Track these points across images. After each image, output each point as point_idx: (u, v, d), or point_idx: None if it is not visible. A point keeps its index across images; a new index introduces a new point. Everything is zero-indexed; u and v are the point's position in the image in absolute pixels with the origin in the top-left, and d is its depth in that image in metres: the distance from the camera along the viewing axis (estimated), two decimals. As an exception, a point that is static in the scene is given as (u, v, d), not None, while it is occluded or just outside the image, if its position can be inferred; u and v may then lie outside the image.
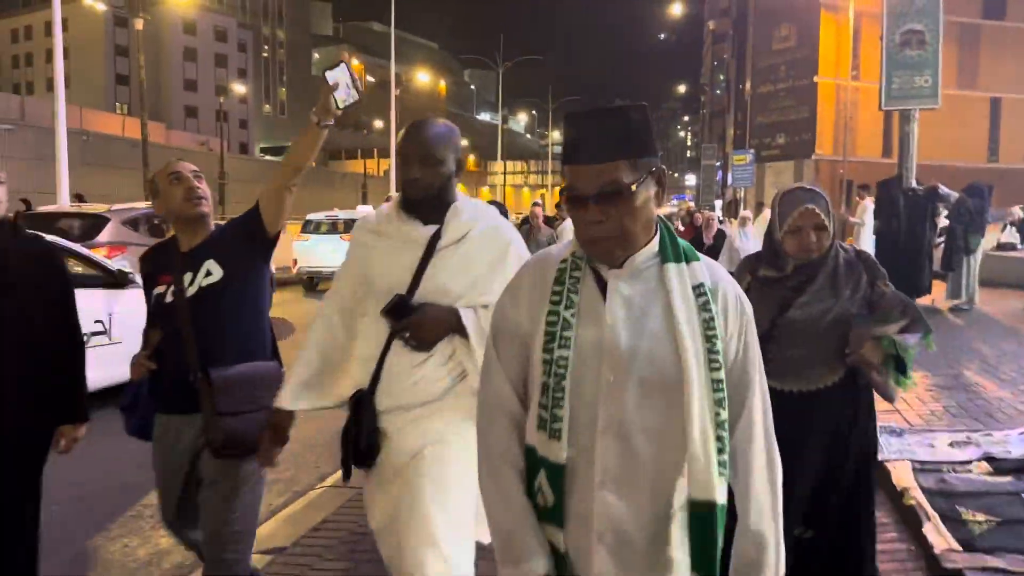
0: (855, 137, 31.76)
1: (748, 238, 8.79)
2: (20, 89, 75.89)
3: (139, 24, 25.38)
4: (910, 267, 10.97)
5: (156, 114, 72.96)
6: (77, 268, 6.17)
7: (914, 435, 4.88)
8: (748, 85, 36.47)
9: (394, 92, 39.67)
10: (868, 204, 12.01)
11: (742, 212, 10.11)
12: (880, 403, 2.70)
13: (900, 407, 5.39)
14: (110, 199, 28.39)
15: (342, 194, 57.69)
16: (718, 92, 52.36)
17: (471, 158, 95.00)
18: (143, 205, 10.97)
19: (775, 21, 33.95)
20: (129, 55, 75.39)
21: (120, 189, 29.51)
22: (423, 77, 70.72)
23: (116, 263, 7.88)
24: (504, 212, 8.26)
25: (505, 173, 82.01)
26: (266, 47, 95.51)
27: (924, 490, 3.79)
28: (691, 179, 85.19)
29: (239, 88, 70.04)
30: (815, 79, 32.14)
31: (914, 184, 11.49)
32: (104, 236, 9.56)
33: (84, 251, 6.62)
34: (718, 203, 43.76)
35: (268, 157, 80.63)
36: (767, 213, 15.75)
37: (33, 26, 77.49)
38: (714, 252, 8.59)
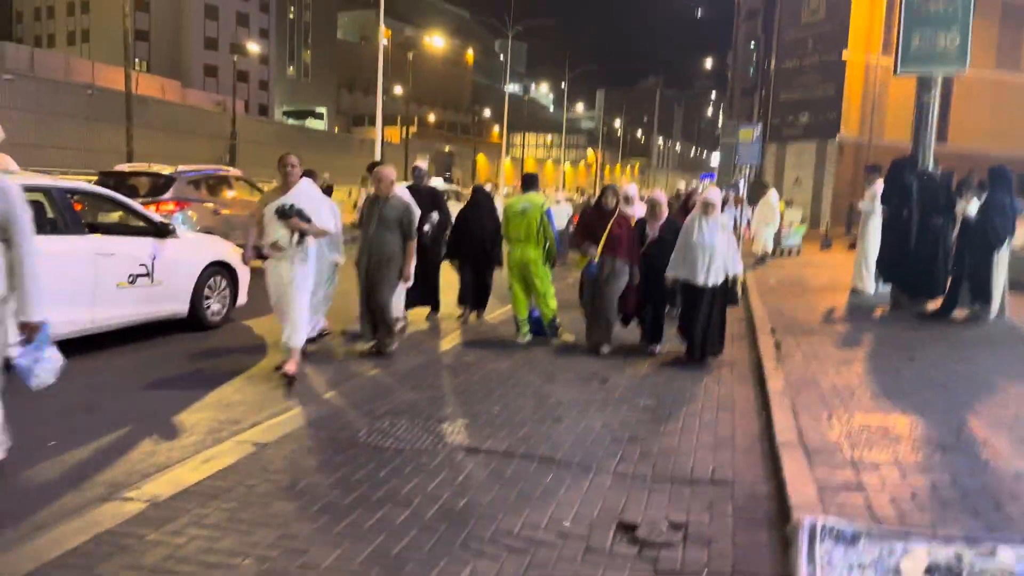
0: (884, 119, 29.93)
1: (709, 230, 6.71)
2: (41, 41, 75.39)
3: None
4: (922, 264, 9.60)
5: (174, 72, 72.21)
6: (129, 219, 7.44)
7: (874, 543, 3.10)
8: (772, 60, 34.55)
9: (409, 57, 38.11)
10: (877, 188, 10.61)
11: (701, 194, 7.36)
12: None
13: (867, 480, 3.94)
14: (118, 155, 27.51)
15: (360, 160, 56.86)
16: (751, 70, 50.19)
17: (494, 129, 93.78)
18: (207, 167, 13.10)
19: (805, -8, 31.97)
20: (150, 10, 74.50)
21: (123, 144, 28.49)
22: (438, 42, 68.41)
23: (180, 216, 10.45)
24: (534, 182, 8.28)
25: (525, 145, 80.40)
26: (292, 8, 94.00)
27: None
28: (717, 158, 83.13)
29: (254, 48, 68.71)
30: (843, 55, 30.21)
31: (931, 167, 10.06)
32: (171, 193, 11.05)
33: (133, 204, 7.45)
34: (741, 182, 42.06)
35: (291, 121, 79.68)
36: (772, 195, 14.10)
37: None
38: (662, 251, 7.01)
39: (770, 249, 16.87)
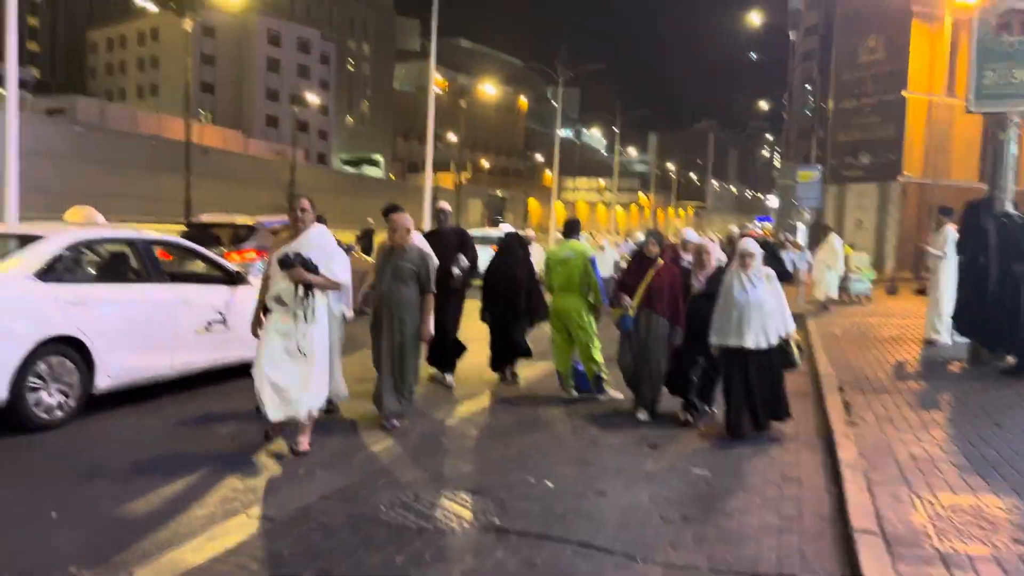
0: (948, 159, 28.83)
1: (751, 284, 5.92)
2: (113, 95, 78.96)
3: (188, 25, 24.84)
4: (1002, 314, 8.81)
5: (238, 123, 74.68)
6: (205, 268, 7.60)
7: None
8: (830, 101, 33.77)
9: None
10: (950, 231, 9.88)
11: (738, 244, 6.47)
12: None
13: None
14: (178, 203, 28.22)
15: (412, 207, 57.49)
16: (807, 112, 49.40)
17: (547, 173, 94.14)
18: (285, 217, 12.79)
19: (862, 31, 31.26)
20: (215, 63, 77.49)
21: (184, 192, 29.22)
22: (491, 90, 69.30)
23: (260, 264, 10.28)
24: (576, 229, 7.74)
25: (576, 189, 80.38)
26: (351, 60, 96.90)
27: None
28: (774, 200, 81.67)
29: (313, 98, 70.67)
30: (903, 93, 29.32)
31: (1010, 210, 9.31)
32: (253, 242, 11.45)
33: (208, 253, 7.66)
34: (802, 226, 40.92)
35: (348, 169, 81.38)
36: (835, 239, 13.40)
37: (127, 36, 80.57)
38: (710, 306, 6.14)
39: (834, 295, 16.04)
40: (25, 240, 6.07)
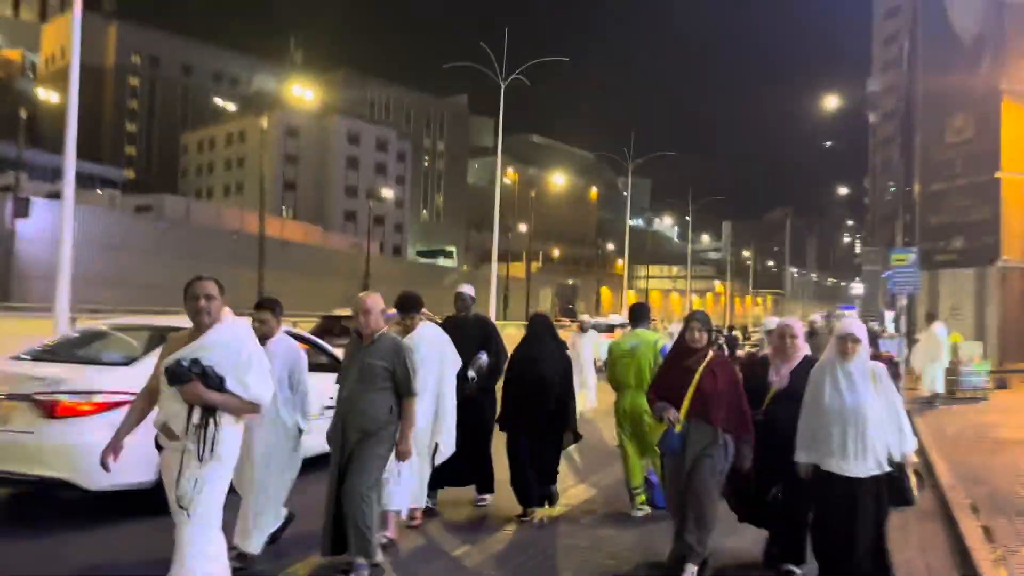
0: (1053, 241, 26.86)
1: (850, 383, 4.35)
2: (202, 194, 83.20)
3: (264, 122, 25.70)
4: None
5: (318, 218, 77.35)
6: (319, 357, 7.50)
7: None
8: (917, 184, 32.28)
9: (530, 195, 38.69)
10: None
11: (838, 325, 4.75)
12: None
13: None
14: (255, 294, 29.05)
15: (484, 295, 58.13)
16: (887, 199, 47.79)
17: (618, 262, 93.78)
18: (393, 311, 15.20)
19: (948, 111, 30.01)
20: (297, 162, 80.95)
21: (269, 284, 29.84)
22: (561, 180, 70.05)
23: None
24: (644, 315, 6.59)
25: (648, 277, 79.41)
26: (427, 157, 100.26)
27: None
28: (857, 287, 78.63)
29: (387, 193, 72.73)
30: (997, 175, 27.72)
31: None
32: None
33: (320, 343, 8.08)
34: (889, 314, 38.73)
35: (423, 260, 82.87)
36: (938, 328, 11.95)
37: (216, 137, 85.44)
38: (794, 410, 4.53)
39: (940, 390, 14.47)
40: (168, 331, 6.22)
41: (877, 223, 51.96)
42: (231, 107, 54.07)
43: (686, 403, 4.65)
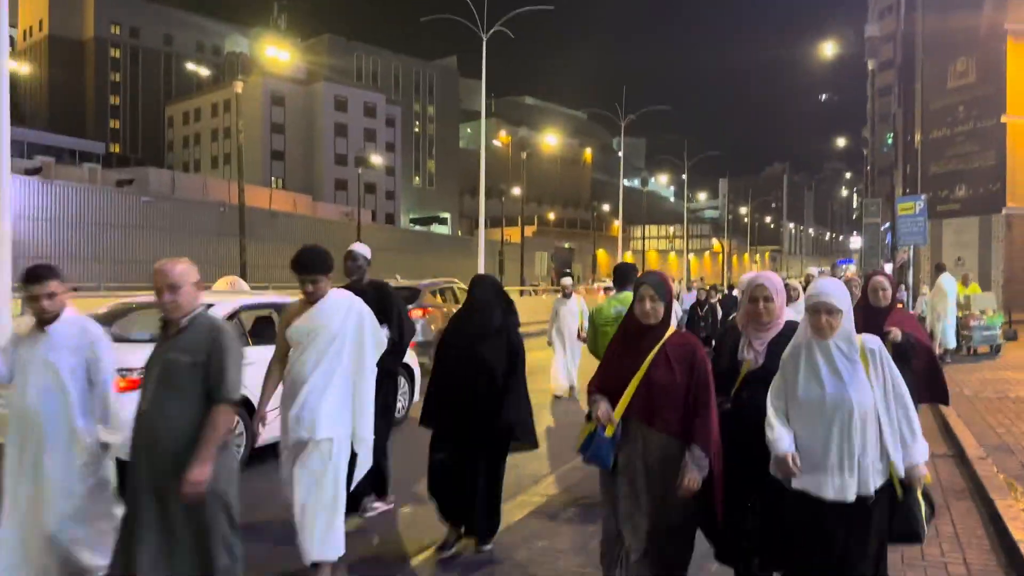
0: (1059, 187, 26.03)
1: (830, 367, 3.04)
2: (189, 167, 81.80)
3: (239, 87, 24.56)
4: None
5: (307, 187, 76.08)
6: None
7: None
8: (918, 133, 31.26)
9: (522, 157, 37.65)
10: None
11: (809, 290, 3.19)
12: None
13: None
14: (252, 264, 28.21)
15: (474, 261, 57.68)
16: (884, 150, 46.71)
17: (614, 223, 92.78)
18: (441, 280, 15.44)
19: (950, 55, 28.90)
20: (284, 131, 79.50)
21: (249, 257, 28.94)
22: (551, 141, 68.93)
23: (423, 321, 12.41)
24: (630, 276, 5.39)
25: (645, 238, 78.46)
26: (417, 122, 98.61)
27: None
28: (856, 241, 77.69)
29: (377, 159, 71.47)
30: (1003, 119, 26.74)
31: None
32: (417, 302, 13.15)
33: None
34: (888, 266, 37.89)
35: (417, 227, 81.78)
36: (945, 280, 11.09)
37: (202, 108, 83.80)
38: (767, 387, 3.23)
39: (951, 346, 13.72)
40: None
41: (876, 175, 50.95)
42: (204, 72, 52.46)
43: (625, 398, 3.29)
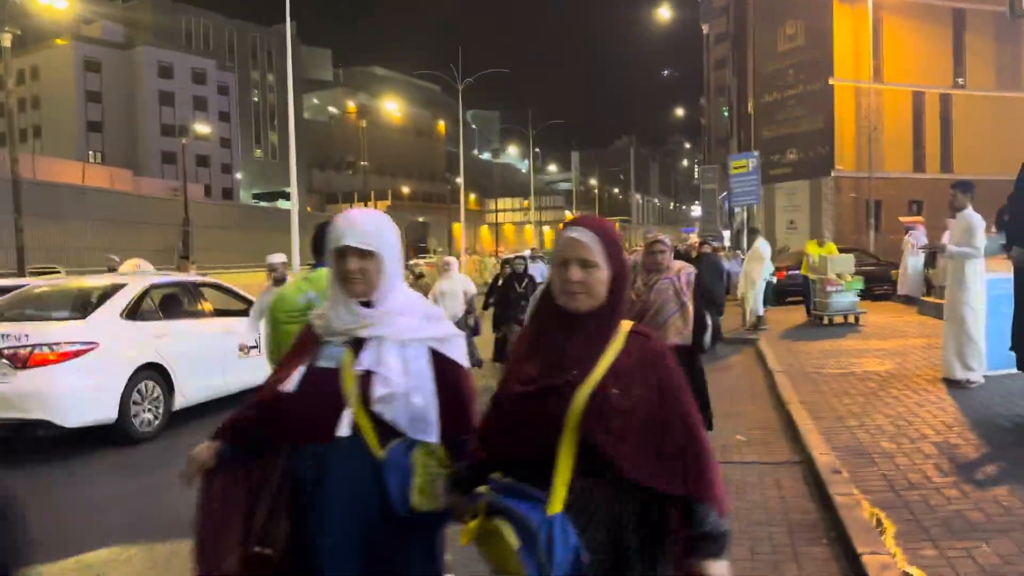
0: (881, 149, 26.63)
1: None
2: (-11, 140, 72.43)
3: (6, 40, 20.62)
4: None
5: (131, 161, 69.25)
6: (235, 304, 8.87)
7: None
8: (751, 100, 31.36)
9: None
10: (974, 218, 6.75)
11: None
12: None
13: None
14: (46, 251, 24.22)
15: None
16: (722, 122, 47.47)
17: (471, 197, 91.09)
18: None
19: (779, 19, 28.98)
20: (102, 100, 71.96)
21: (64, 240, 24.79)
22: (391, 107, 66.30)
23: None
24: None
25: (498, 210, 77.50)
26: (256, 91, 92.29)
27: None
28: (697, 210, 79.94)
29: (205, 129, 66.00)
30: (830, 81, 27.04)
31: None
32: None
33: (237, 290, 9.02)
34: (727, 233, 38.46)
35: (262, 204, 76.28)
36: (761, 245, 10.02)
37: (3, 75, 74.23)
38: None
39: (761, 313, 12.82)
40: (112, 287, 7.39)
41: (714, 145, 51.97)
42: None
43: (561, 467, 1.71)
